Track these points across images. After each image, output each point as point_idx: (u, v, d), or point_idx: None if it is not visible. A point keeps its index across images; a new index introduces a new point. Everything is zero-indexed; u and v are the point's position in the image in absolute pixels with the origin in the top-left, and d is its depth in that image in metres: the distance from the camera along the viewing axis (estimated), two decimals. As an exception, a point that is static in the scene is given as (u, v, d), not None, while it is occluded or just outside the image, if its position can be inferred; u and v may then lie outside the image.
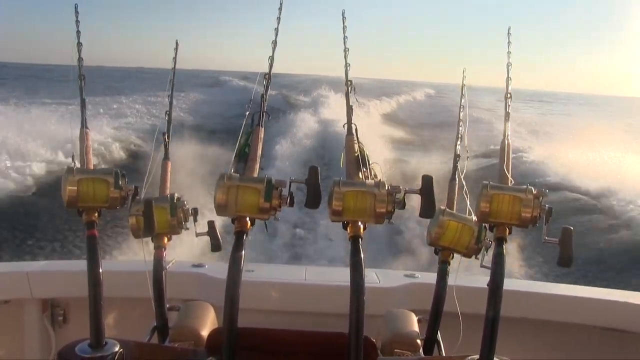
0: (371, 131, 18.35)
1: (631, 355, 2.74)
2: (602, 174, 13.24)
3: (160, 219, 2.04)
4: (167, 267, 2.18)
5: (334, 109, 21.22)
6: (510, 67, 2.03)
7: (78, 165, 1.85)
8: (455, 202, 2.25)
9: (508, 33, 2.10)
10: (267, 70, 1.90)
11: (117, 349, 1.74)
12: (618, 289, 3.05)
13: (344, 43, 1.97)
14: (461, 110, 2.40)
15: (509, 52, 2.06)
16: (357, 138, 1.89)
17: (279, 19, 1.99)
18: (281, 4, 2.01)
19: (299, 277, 2.84)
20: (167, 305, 2.21)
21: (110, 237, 7.29)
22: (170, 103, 2.43)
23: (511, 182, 1.83)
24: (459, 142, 2.33)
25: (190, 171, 8.47)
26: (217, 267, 2.82)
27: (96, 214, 1.80)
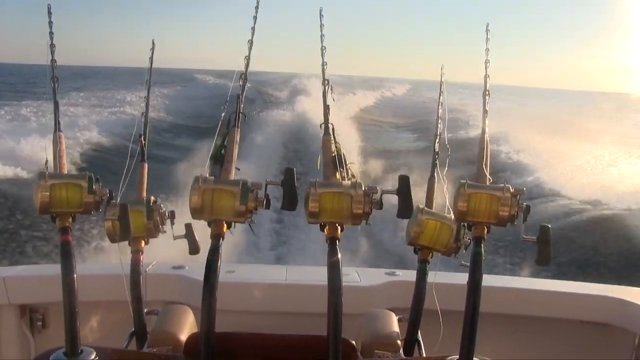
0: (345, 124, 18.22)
1: (612, 348, 2.77)
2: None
3: (136, 222, 2.01)
4: (147, 269, 2.14)
5: (311, 105, 21.16)
6: (488, 65, 2.01)
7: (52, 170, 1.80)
8: (434, 200, 2.25)
9: (486, 30, 2.08)
10: (242, 68, 1.87)
11: (93, 357, 1.70)
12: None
13: (321, 41, 1.95)
14: (440, 107, 2.39)
15: (487, 49, 2.04)
16: (334, 138, 1.87)
17: (255, 17, 1.96)
18: (258, 2, 1.98)
19: (279, 277, 2.82)
20: (146, 310, 2.18)
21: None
22: (147, 104, 2.38)
23: (489, 180, 1.82)
24: (437, 140, 2.32)
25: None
26: (198, 269, 2.78)
27: (70, 219, 1.76)
